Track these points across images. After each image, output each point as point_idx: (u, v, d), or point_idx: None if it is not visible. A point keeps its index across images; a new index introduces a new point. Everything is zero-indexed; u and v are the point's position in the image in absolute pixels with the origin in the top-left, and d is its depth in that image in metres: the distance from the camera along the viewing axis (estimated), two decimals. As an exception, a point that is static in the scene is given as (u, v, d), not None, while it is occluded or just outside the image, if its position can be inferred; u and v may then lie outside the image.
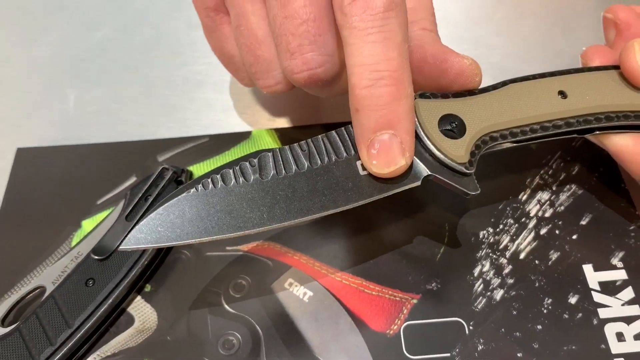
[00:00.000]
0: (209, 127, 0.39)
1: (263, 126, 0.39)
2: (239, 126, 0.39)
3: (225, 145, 0.38)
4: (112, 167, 0.37)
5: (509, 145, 0.29)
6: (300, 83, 0.29)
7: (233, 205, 0.26)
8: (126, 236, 0.26)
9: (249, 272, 0.32)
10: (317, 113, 0.39)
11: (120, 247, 0.26)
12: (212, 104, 0.40)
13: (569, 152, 0.36)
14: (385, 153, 0.26)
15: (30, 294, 0.32)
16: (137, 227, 0.26)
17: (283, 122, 0.39)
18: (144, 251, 0.32)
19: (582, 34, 0.42)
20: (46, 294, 0.31)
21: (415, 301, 0.31)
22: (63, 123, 0.40)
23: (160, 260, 0.33)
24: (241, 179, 0.27)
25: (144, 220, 0.26)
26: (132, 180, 0.36)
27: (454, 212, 0.34)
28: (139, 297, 0.32)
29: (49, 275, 0.32)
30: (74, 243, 0.34)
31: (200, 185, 0.27)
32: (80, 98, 0.41)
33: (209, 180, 0.27)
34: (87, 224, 0.35)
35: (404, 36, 0.26)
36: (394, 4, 0.25)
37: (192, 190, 0.26)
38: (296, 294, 0.32)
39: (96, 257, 0.32)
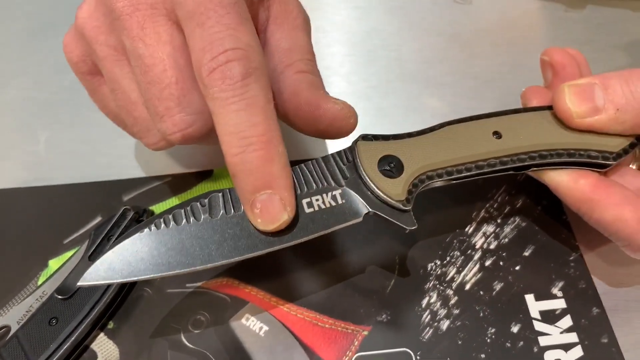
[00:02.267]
0: (173, 167, 0.40)
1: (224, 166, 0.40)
2: (202, 165, 0.40)
3: (188, 184, 0.39)
4: (79, 207, 0.39)
5: (444, 183, 0.31)
6: (177, 143, 0.30)
7: (184, 243, 0.28)
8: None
9: (208, 308, 0.34)
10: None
11: (78, 284, 0.27)
12: (177, 144, 0.42)
13: (513, 186, 0.38)
14: (267, 211, 0.27)
15: (-5, 334, 0.33)
16: (94, 264, 0.28)
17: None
18: (106, 289, 0.33)
19: (530, 72, 0.44)
20: (10, 334, 0.32)
21: (366, 333, 0.33)
22: (34, 165, 0.41)
23: (122, 298, 0.34)
24: (192, 219, 0.28)
25: (101, 258, 0.28)
26: (98, 219, 0.38)
27: (404, 245, 0.36)
28: (101, 334, 0.33)
29: (14, 314, 0.33)
30: (40, 282, 0.35)
31: (153, 225, 0.28)
32: (51, 140, 0.43)
33: (162, 220, 0.28)
34: (54, 263, 0.36)
35: (266, 97, 0.27)
36: (252, 68, 0.26)
37: (145, 229, 0.28)
38: (253, 328, 0.33)
39: (60, 297, 0.33)
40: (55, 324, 0.32)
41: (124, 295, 0.34)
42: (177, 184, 0.39)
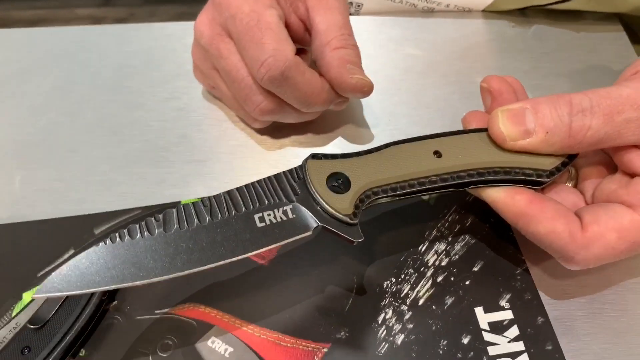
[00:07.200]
0: (143, 199, 0.43)
1: (192, 197, 0.42)
2: (171, 197, 0.43)
3: (156, 216, 0.41)
4: (52, 242, 0.40)
5: (389, 199, 0.33)
6: (260, 118, 0.43)
7: (138, 256, 0.30)
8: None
9: (175, 333, 0.35)
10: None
11: (33, 295, 0.29)
12: (147, 177, 0.44)
13: (463, 206, 0.41)
14: None
15: (-30, 365, 0.34)
16: (49, 277, 0.29)
17: (211, 193, 0.43)
18: (77, 317, 0.35)
19: (476, 100, 0.47)
20: (-16, 364, 0.34)
21: (325, 350, 0.35)
22: (9, 203, 0.43)
23: (93, 326, 0.36)
24: (146, 233, 0.31)
25: (56, 271, 0.30)
26: (71, 252, 0.39)
27: (362, 265, 0.38)
28: (73, 362, 0.35)
29: (-12, 346, 0.35)
30: (14, 314, 0.37)
31: (109, 239, 0.30)
32: (26, 179, 0.45)
33: (117, 234, 0.30)
34: (27, 296, 0.38)
35: (301, 76, 0.39)
36: (283, 67, 0.38)
37: (100, 243, 0.30)
38: (218, 350, 0.35)
39: (32, 327, 0.34)
40: (27, 353, 0.33)
41: (95, 324, 0.36)
42: (145, 216, 0.41)
